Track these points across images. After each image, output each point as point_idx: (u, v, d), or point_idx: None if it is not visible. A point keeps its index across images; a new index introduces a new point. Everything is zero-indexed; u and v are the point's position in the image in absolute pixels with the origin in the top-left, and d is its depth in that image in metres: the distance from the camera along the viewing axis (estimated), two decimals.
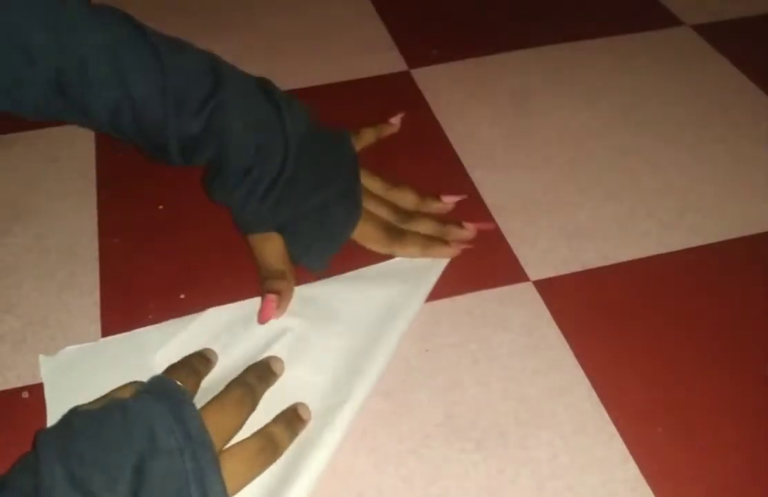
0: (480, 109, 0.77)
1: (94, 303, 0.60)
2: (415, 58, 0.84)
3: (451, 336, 0.57)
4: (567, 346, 0.56)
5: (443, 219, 0.64)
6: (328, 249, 0.60)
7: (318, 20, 0.91)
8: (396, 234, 0.61)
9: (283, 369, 0.53)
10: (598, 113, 0.77)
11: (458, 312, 0.58)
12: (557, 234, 0.64)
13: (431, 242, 0.61)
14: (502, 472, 0.49)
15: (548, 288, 0.60)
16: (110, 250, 0.64)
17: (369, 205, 0.62)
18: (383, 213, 0.62)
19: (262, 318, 0.56)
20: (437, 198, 0.65)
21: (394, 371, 0.54)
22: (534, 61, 0.84)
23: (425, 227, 0.62)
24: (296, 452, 0.49)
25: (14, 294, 0.60)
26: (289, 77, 0.82)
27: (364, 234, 0.61)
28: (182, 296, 0.60)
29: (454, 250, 0.61)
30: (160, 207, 0.68)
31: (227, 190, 0.60)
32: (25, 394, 0.54)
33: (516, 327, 0.57)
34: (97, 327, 0.58)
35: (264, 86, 0.61)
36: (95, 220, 0.66)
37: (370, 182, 0.64)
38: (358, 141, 0.68)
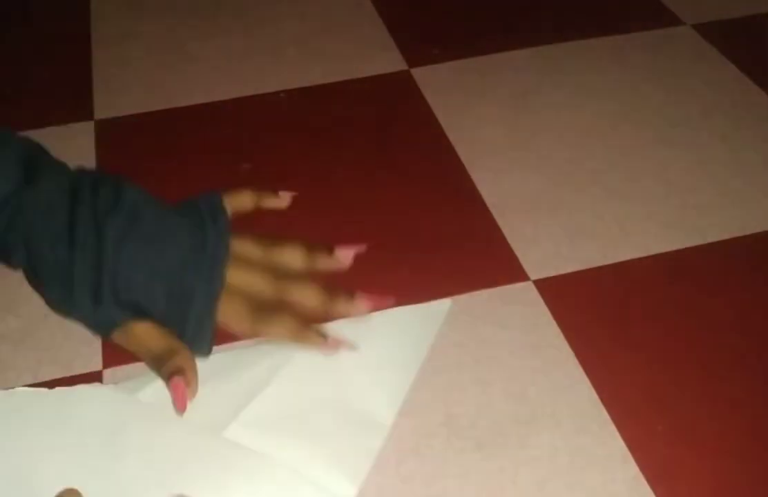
0: (480, 108, 0.77)
1: None
2: (415, 58, 0.84)
3: (451, 336, 0.57)
4: (567, 346, 0.56)
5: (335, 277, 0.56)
6: (200, 335, 0.52)
7: (318, 20, 0.91)
8: (263, 314, 0.52)
9: None
10: (598, 113, 0.77)
11: (458, 313, 0.58)
12: (557, 233, 0.64)
13: (304, 331, 0.52)
14: (502, 472, 0.49)
15: (548, 288, 0.60)
16: None
17: (236, 278, 0.52)
18: (256, 282, 0.53)
19: (180, 407, 0.48)
20: (329, 252, 0.55)
21: None
22: (534, 61, 0.84)
23: (308, 297, 0.53)
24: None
25: (14, 294, 0.60)
26: (289, 77, 0.82)
27: (226, 314, 0.52)
28: None
29: (331, 346, 0.52)
30: None
31: (68, 301, 0.52)
32: None
33: (516, 327, 0.57)
34: None
35: (74, 176, 0.54)
36: None
37: (242, 247, 0.54)
38: (233, 201, 0.58)
